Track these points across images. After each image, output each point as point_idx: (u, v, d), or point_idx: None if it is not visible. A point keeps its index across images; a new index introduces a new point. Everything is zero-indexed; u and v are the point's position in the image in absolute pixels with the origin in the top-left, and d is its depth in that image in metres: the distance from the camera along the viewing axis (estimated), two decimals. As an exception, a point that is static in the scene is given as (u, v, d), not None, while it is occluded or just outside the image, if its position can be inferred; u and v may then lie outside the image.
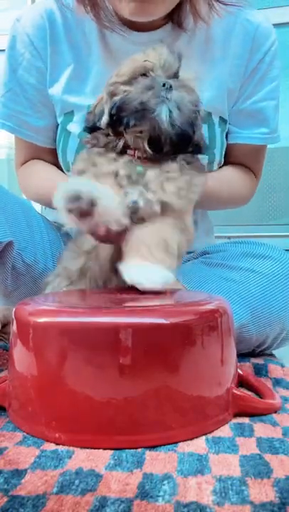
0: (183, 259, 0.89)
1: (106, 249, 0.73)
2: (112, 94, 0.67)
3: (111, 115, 0.66)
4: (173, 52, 0.66)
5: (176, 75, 0.66)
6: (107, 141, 0.68)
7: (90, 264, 0.73)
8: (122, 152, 0.67)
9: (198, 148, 0.70)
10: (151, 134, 0.64)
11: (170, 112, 0.62)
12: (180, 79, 0.66)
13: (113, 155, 0.66)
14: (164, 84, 0.62)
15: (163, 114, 0.62)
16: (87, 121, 0.73)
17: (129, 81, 0.65)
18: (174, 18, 0.83)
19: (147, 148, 0.65)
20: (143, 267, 0.59)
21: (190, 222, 0.68)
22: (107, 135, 0.68)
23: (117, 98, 0.65)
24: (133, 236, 0.62)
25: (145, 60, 0.65)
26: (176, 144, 0.65)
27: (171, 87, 0.63)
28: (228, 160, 0.95)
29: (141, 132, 0.64)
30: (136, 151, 0.66)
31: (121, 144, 0.66)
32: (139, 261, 0.60)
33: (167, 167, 0.65)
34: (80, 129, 0.85)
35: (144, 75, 0.64)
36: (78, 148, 0.87)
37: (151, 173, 0.64)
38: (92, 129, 0.71)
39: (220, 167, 0.93)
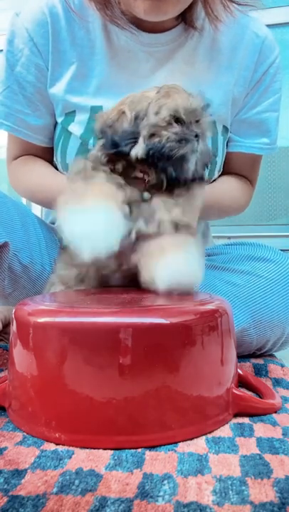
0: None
1: (95, 269, 0.73)
2: (151, 135, 0.64)
3: (147, 154, 0.64)
4: (197, 95, 0.67)
5: (199, 121, 0.66)
6: (124, 168, 0.67)
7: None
8: (125, 174, 0.67)
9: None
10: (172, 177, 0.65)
11: (196, 162, 0.64)
12: (201, 124, 0.66)
13: (120, 179, 0.66)
14: (196, 135, 0.64)
15: (192, 166, 0.64)
16: (103, 134, 0.67)
17: (168, 126, 0.65)
18: (186, 18, 0.83)
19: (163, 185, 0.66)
20: (173, 266, 0.59)
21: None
22: (126, 161, 0.66)
23: (157, 141, 0.63)
24: (152, 242, 0.63)
25: (188, 108, 0.65)
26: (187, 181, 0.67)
27: (198, 137, 0.64)
28: (226, 168, 0.95)
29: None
30: (147, 181, 0.66)
31: (146, 180, 0.67)
32: (169, 257, 0.60)
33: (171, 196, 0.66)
34: (82, 130, 0.85)
35: (177, 119, 0.64)
36: (79, 149, 0.87)
37: (157, 201, 0.65)
38: (112, 149, 0.66)
39: (219, 175, 0.94)
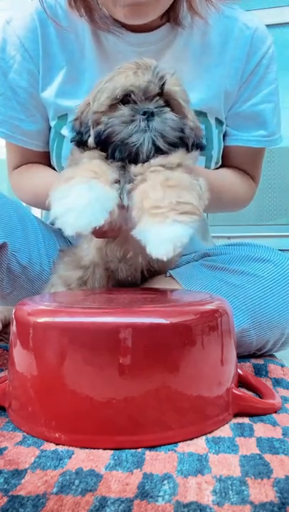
0: (183, 260, 0.89)
1: (102, 269, 0.73)
2: (95, 123, 0.64)
3: (96, 143, 0.64)
4: (155, 67, 0.63)
5: (161, 93, 0.63)
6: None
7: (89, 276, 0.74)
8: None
9: (198, 146, 0.68)
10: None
11: (153, 139, 0.61)
12: (166, 92, 0.63)
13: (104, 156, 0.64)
14: (144, 113, 0.61)
15: (144, 146, 0.61)
16: (73, 128, 0.69)
17: (110, 110, 0.63)
18: (170, 15, 0.83)
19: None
20: (155, 232, 0.55)
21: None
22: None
23: (100, 128, 0.63)
24: (137, 192, 0.59)
25: (128, 87, 0.62)
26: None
27: (152, 113, 0.61)
28: (226, 163, 0.95)
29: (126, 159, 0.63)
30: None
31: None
32: (150, 221, 0.55)
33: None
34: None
35: (124, 99, 0.62)
36: None
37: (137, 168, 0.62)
38: (79, 141, 0.67)
39: (217, 168, 0.93)
